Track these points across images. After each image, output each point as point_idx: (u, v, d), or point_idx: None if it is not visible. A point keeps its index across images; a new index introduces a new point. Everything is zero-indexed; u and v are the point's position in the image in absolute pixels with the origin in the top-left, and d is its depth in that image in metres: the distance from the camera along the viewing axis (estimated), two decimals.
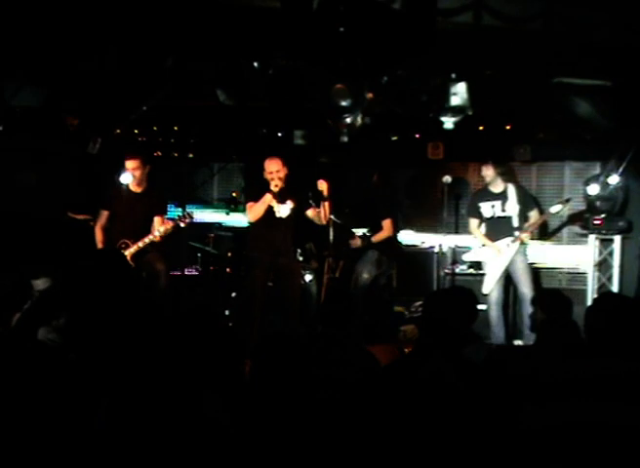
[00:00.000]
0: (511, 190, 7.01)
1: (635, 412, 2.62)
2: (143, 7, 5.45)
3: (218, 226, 8.35)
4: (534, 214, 7.08)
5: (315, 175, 7.16)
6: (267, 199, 6.32)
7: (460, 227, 7.71)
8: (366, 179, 7.65)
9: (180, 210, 6.68)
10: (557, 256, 7.85)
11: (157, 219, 6.52)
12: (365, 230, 7.32)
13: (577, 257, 7.80)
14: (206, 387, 2.66)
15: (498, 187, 6.99)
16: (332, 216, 6.59)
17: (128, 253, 6.23)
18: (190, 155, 8.79)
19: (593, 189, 7.53)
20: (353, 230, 7.39)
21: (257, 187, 6.52)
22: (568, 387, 2.72)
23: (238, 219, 8.18)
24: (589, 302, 7.23)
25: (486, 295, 6.97)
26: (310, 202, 6.58)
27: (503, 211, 6.99)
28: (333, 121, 6.53)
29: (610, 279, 7.61)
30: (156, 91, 6.66)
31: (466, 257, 7.45)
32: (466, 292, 3.77)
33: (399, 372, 3.14)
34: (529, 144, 7.89)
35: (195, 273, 7.72)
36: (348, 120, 6.37)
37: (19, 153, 7.22)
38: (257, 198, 6.40)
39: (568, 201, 7.26)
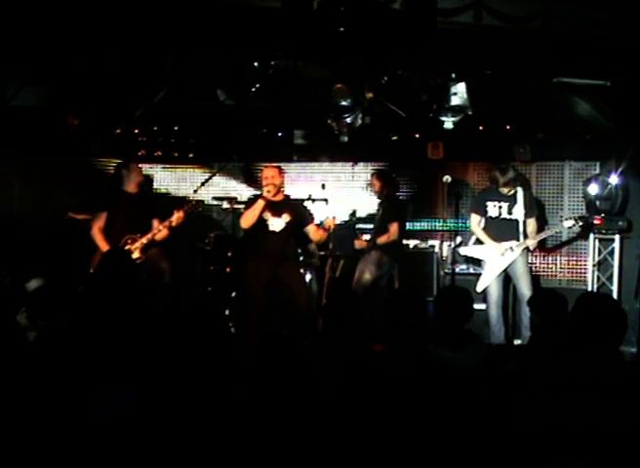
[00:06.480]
0: (520, 194, 6.97)
1: (629, 411, 2.63)
2: (143, 7, 5.45)
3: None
4: (531, 222, 7.01)
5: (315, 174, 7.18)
6: (259, 205, 6.24)
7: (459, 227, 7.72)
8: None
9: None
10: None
11: (156, 221, 6.55)
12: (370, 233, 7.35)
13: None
14: (202, 386, 2.66)
15: (508, 189, 6.96)
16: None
17: (138, 244, 6.26)
18: (190, 155, 8.80)
19: (593, 189, 7.52)
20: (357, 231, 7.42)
21: (253, 196, 6.50)
22: (563, 387, 2.73)
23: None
24: None
25: (480, 294, 6.96)
26: (311, 215, 6.58)
27: (510, 213, 6.94)
28: (333, 121, 6.53)
29: (610, 279, 7.60)
30: (156, 91, 6.66)
31: (463, 252, 7.42)
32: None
33: (370, 372, 3.20)
34: (529, 144, 7.89)
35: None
36: (348, 120, 6.37)
37: (18, 153, 7.24)
38: (251, 206, 6.39)
39: (582, 218, 7.19)
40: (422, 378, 3.09)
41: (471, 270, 7.56)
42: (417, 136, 8.21)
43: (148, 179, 6.77)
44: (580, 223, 7.19)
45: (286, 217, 6.35)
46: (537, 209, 7.27)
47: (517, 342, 7.09)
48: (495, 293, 6.92)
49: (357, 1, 5.16)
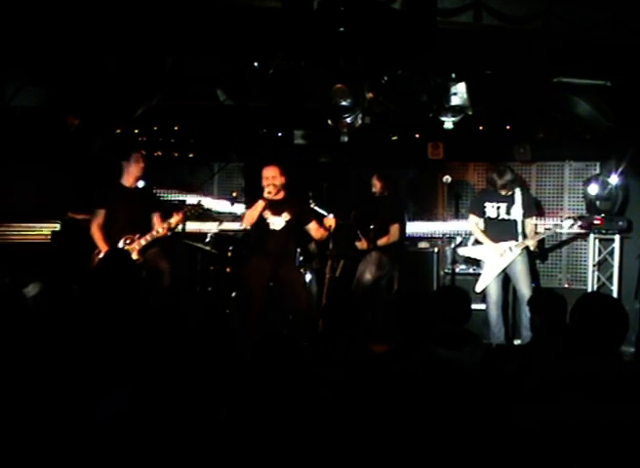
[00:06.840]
0: (518, 195, 7.00)
1: (629, 411, 2.63)
2: (143, 7, 5.45)
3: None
4: (530, 223, 7.03)
5: (315, 174, 7.15)
6: (259, 205, 6.26)
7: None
8: (369, 181, 7.63)
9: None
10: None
11: (156, 216, 6.52)
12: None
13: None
14: (202, 386, 2.66)
15: (505, 191, 6.98)
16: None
17: (136, 245, 6.24)
18: (190, 155, 8.80)
19: (593, 189, 7.53)
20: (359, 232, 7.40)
21: (254, 195, 6.51)
22: (563, 387, 2.73)
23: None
24: None
25: (479, 294, 6.97)
26: (314, 207, 6.55)
27: (508, 214, 6.97)
28: (333, 121, 6.53)
29: (610, 279, 7.60)
30: (156, 91, 6.66)
31: (462, 252, 7.43)
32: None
33: (370, 372, 3.20)
34: (529, 144, 7.89)
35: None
36: (348, 120, 6.37)
37: (18, 153, 7.23)
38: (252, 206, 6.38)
39: (582, 218, 7.22)
40: (422, 378, 3.09)
41: (471, 270, 7.56)
42: (417, 136, 8.22)
43: (147, 174, 6.70)
44: (580, 223, 7.19)
45: (286, 216, 6.35)
46: (535, 209, 7.28)
47: (517, 342, 7.10)
48: (494, 294, 6.94)
49: (357, 1, 5.17)
